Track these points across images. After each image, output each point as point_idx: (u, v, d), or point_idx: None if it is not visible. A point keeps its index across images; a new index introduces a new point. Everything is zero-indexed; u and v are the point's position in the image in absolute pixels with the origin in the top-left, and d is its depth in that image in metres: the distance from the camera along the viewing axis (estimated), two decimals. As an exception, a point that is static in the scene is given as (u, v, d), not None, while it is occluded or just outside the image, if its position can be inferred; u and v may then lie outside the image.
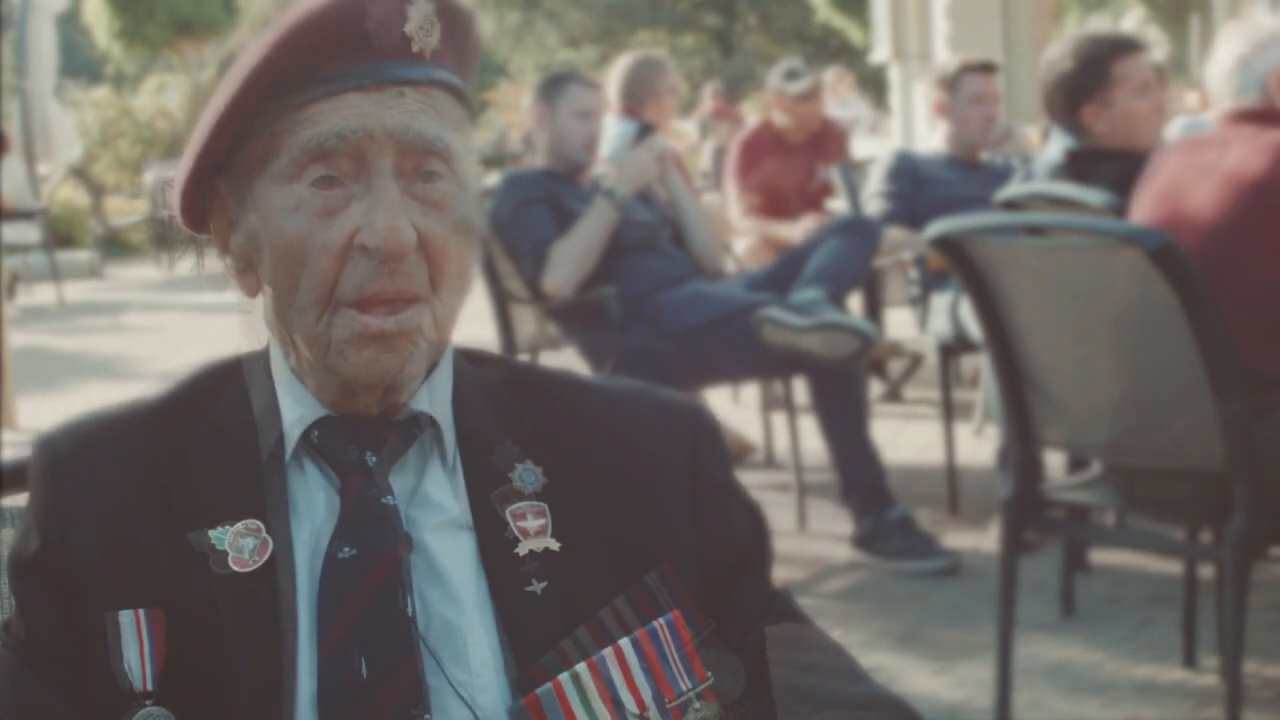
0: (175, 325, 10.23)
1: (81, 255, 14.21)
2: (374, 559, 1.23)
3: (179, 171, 1.29)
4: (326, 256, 1.22)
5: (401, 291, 1.23)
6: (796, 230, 6.04)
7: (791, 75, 6.77)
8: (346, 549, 1.24)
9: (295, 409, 1.29)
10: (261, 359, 1.33)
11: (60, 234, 13.88)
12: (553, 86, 4.86)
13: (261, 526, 1.25)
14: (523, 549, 1.27)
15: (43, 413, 6.87)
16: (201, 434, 1.29)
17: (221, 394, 1.32)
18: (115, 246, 15.10)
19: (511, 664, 1.24)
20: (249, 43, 1.24)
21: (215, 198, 1.29)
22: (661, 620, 1.27)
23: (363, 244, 1.22)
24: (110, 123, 17.95)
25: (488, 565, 1.26)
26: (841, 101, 14.39)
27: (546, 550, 1.27)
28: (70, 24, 23.33)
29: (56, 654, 1.25)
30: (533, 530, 1.28)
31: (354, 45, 1.22)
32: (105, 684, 1.22)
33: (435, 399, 1.30)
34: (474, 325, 4.14)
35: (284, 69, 1.21)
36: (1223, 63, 3.34)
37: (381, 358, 1.24)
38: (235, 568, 1.24)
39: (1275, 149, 3.09)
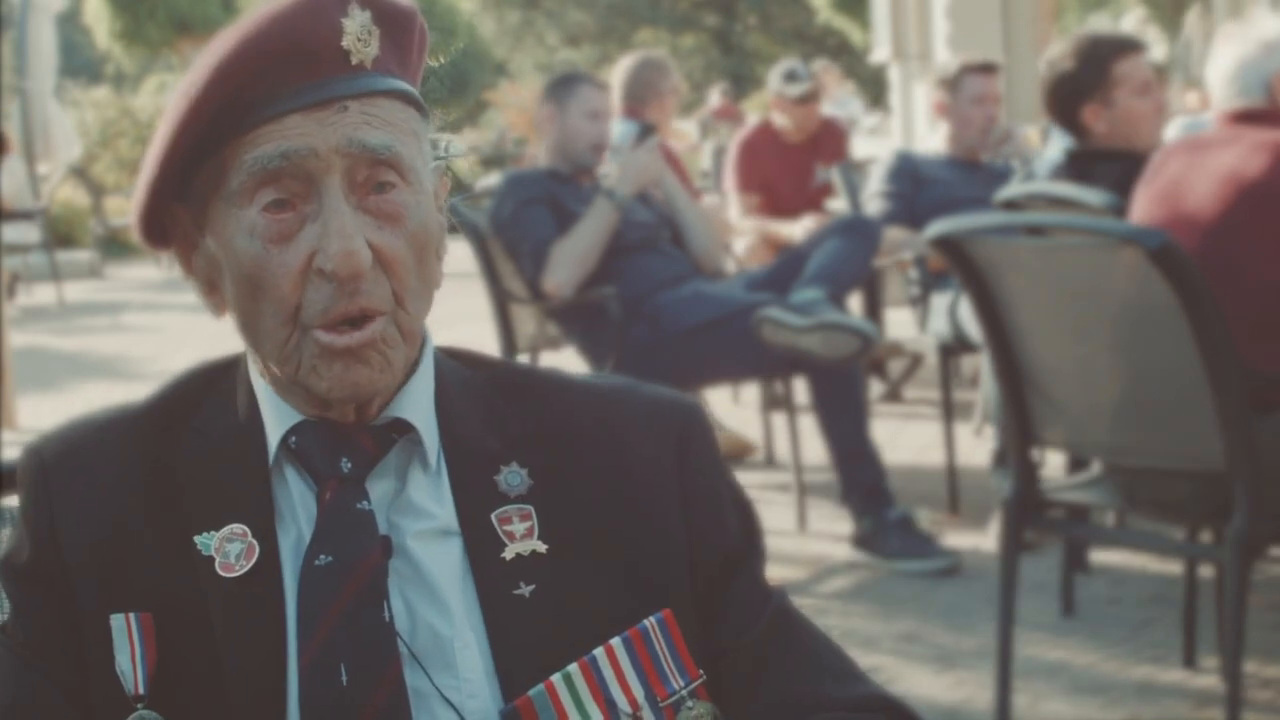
0: (175, 325, 10.23)
1: (81, 255, 14.21)
2: (351, 566, 1.23)
3: (135, 198, 1.28)
4: (286, 281, 1.22)
5: (364, 310, 1.22)
6: (796, 229, 6.04)
7: (791, 77, 6.75)
8: (324, 556, 1.23)
9: (274, 414, 1.29)
10: (246, 362, 1.33)
11: (60, 234, 13.89)
12: (563, 87, 4.85)
13: (247, 531, 1.25)
14: (509, 553, 1.26)
15: (43, 413, 6.87)
16: (188, 438, 1.29)
17: (209, 398, 1.32)
18: (115, 246, 15.10)
19: (501, 667, 1.24)
20: (187, 73, 1.23)
21: (174, 221, 1.29)
22: (653, 619, 1.26)
23: (319, 268, 1.21)
24: (110, 123, 17.95)
25: (475, 570, 1.26)
26: (834, 100, 14.29)
27: (534, 553, 1.27)
28: (70, 24, 23.33)
29: (53, 655, 1.25)
30: (519, 534, 1.27)
31: (291, 66, 1.21)
32: (100, 687, 1.23)
33: (414, 403, 1.29)
34: (474, 325, 4.14)
35: (223, 98, 1.20)
36: (1225, 64, 3.34)
37: (353, 369, 1.23)
38: (222, 573, 1.24)
39: (1275, 149, 3.09)
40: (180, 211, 1.28)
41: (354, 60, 1.22)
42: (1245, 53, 3.31)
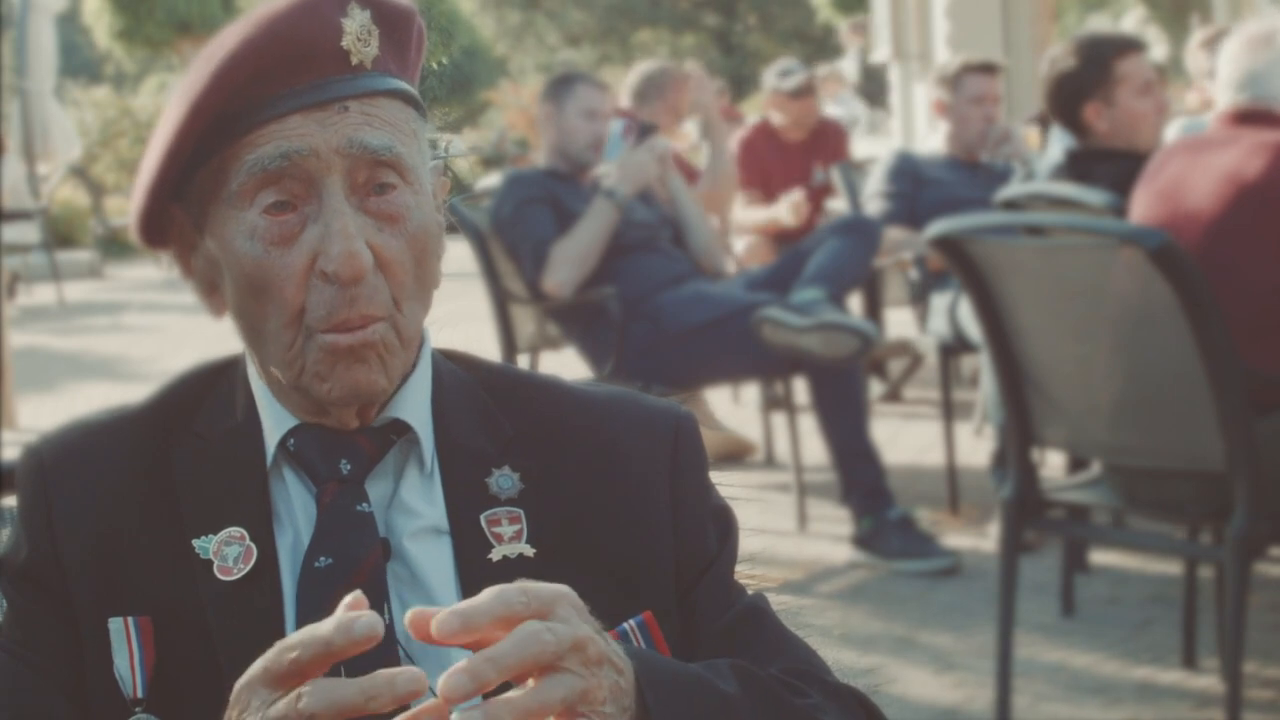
0: (175, 325, 10.23)
1: (81, 255, 14.21)
2: (351, 568, 1.23)
3: (134, 200, 1.28)
4: (289, 284, 1.21)
5: (365, 317, 1.22)
6: (781, 208, 6.11)
7: (785, 73, 6.80)
8: (323, 558, 1.23)
9: (273, 417, 1.29)
10: (245, 364, 1.33)
11: (60, 234, 13.89)
12: (561, 86, 4.87)
13: (245, 534, 1.25)
14: (496, 555, 1.26)
15: (43, 413, 6.87)
16: (186, 441, 1.29)
17: (207, 399, 1.32)
18: (115, 246, 15.10)
19: None
20: (188, 73, 1.23)
21: (172, 222, 1.29)
22: (632, 621, 1.26)
23: (321, 269, 1.21)
24: (110, 123, 17.95)
25: (461, 571, 1.26)
26: (835, 98, 14.27)
27: (521, 556, 1.26)
28: (70, 24, 23.32)
29: (50, 656, 1.24)
30: (507, 536, 1.27)
31: (292, 67, 1.21)
32: (98, 689, 1.22)
33: (412, 404, 1.29)
34: (474, 325, 4.14)
35: (224, 99, 1.20)
36: (1225, 64, 3.34)
37: (353, 368, 1.23)
38: (220, 576, 1.24)
39: (1275, 149, 3.09)
40: (178, 213, 1.28)
41: (354, 60, 1.22)
42: (1244, 52, 3.31)
